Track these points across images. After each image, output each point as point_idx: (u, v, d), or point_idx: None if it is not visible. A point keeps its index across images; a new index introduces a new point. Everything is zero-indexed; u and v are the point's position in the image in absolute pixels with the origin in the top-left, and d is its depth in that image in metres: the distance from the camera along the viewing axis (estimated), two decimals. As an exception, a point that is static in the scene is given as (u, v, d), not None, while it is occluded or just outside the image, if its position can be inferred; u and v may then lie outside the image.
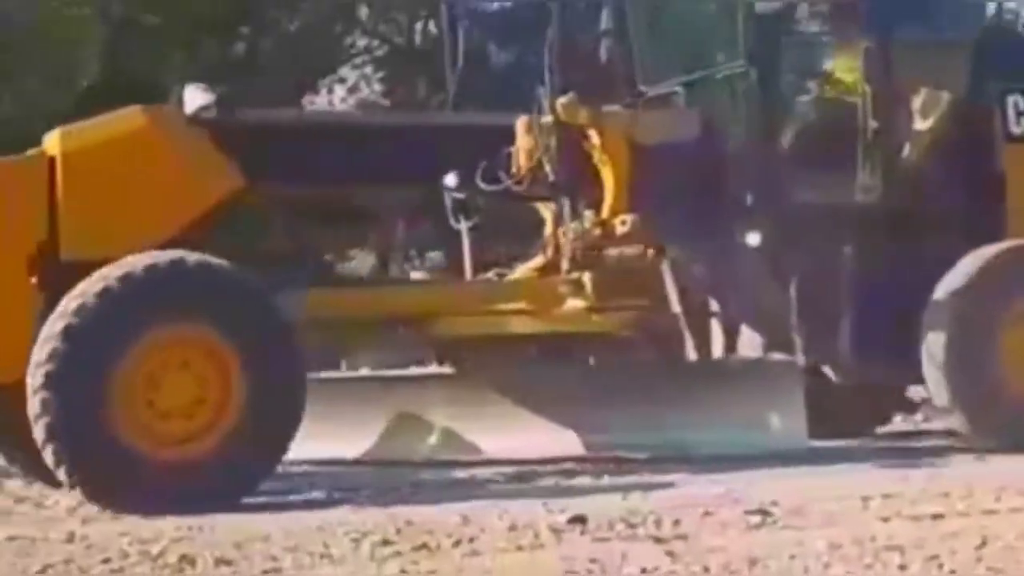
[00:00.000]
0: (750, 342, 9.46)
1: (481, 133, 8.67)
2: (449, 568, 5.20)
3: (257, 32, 22.83)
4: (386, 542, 5.70)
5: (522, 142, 8.52)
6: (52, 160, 7.66)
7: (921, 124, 9.16)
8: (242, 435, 7.13)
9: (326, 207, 8.49)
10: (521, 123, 8.56)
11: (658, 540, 5.65)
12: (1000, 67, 9.29)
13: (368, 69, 23.69)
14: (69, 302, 6.99)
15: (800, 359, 8.89)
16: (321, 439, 8.33)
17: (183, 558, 5.46)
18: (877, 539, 5.45)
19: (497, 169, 8.46)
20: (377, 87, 23.75)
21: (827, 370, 9.68)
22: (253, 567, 5.30)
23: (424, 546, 5.61)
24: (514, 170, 8.46)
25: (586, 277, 8.48)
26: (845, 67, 9.15)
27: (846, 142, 8.94)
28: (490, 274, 9.03)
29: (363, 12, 23.00)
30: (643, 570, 4.99)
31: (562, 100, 8.45)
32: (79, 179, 7.59)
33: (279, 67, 21.44)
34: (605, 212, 8.55)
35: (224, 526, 6.26)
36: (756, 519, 6.07)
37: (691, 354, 9.36)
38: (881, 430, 10.12)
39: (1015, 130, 9.28)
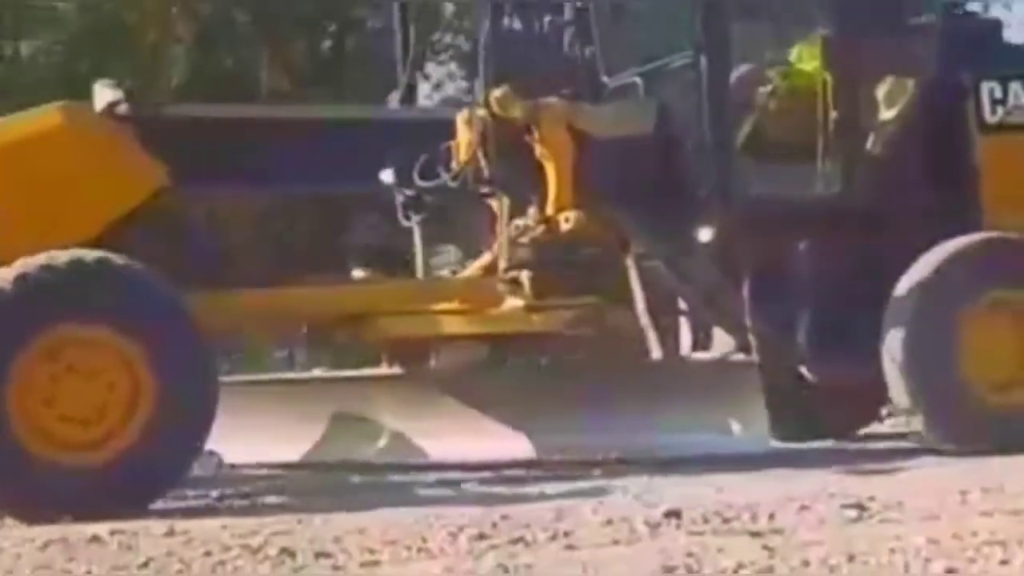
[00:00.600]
0: (724, 342, 9.22)
1: (424, 128, 8.56)
2: (547, 562, 5.17)
3: (344, 29, 23.04)
4: (482, 536, 5.70)
5: (461, 137, 8.41)
6: None
7: (886, 114, 8.85)
8: (149, 438, 6.99)
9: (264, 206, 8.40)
10: (460, 117, 8.44)
11: (754, 534, 5.60)
12: (972, 53, 8.91)
13: (453, 66, 23.73)
14: None
15: (757, 359, 8.65)
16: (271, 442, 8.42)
17: (283, 551, 5.48)
18: (978, 534, 5.30)
19: (437, 165, 8.37)
20: (462, 84, 23.77)
21: (804, 371, 9.45)
22: (352, 560, 5.31)
23: (520, 540, 5.61)
24: (452, 165, 8.35)
25: (524, 275, 8.33)
26: (805, 56, 8.86)
27: (805, 133, 8.66)
28: (444, 272, 8.94)
29: (448, 9, 23.02)
30: (740, 564, 4.90)
31: (495, 93, 8.30)
32: None
33: (365, 64, 21.59)
34: (549, 208, 8.40)
35: (322, 520, 6.28)
36: (853, 513, 5.99)
37: (656, 353, 9.16)
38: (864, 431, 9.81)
39: (990, 119, 8.92)
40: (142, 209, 7.71)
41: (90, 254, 7.10)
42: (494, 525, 5.94)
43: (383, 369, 8.92)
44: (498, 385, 8.63)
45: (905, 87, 8.79)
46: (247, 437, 8.41)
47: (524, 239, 8.45)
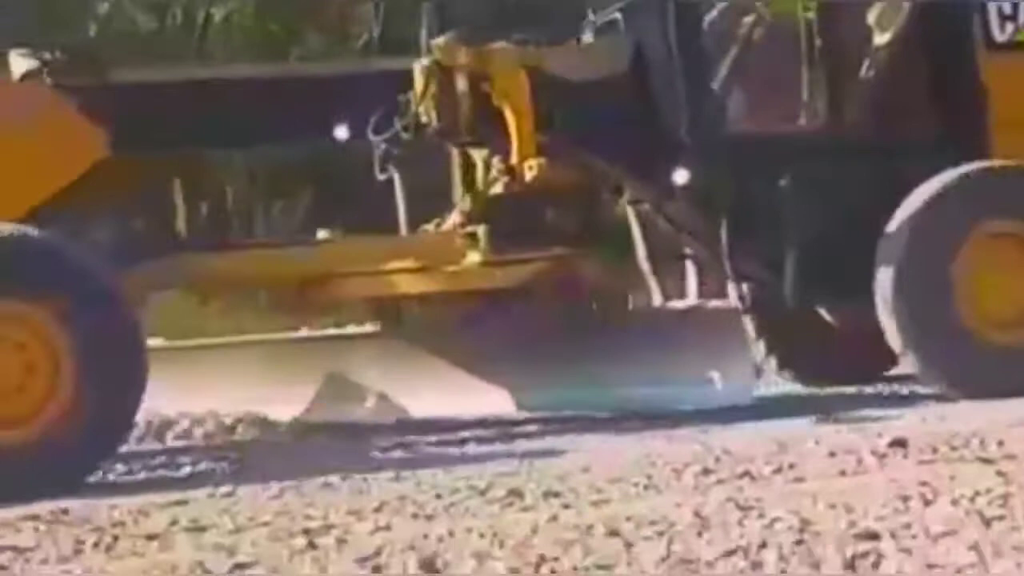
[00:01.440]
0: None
1: (383, 80, 8.33)
2: (775, 494, 5.13)
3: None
4: (707, 471, 5.74)
5: (417, 88, 8.15)
6: None
7: (879, 38, 8.26)
8: (75, 414, 6.83)
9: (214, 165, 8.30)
10: (417, 68, 8.18)
11: (986, 461, 5.52)
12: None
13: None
14: None
15: (739, 304, 8.23)
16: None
17: (511, 491, 5.59)
18: None
19: (392, 117, 8.14)
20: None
21: (824, 313, 8.99)
22: (580, 498, 5.38)
23: (746, 474, 5.63)
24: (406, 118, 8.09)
25: (480, 230, 8.05)
26: None
27: (790, 64, 8.16)
28: (429, 227, 8.71)
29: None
30: (976, 492, 4.82)
31: (438, 41, 8.00)
32: None
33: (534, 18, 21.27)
34: (513, 158, 8.06)
35: (544, 462, 6.42)
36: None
37: (656, 300, 8.83)
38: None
39: (999, 37, 8.25)
40: (82, 178, 7.54)
41: (5, 228, 7.00)
42: (717, 460, 5.96)
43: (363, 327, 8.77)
44: (471, 341, 8.37)
45: (899, 9, 8.18)
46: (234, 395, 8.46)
47: (487, 191, 8.15)
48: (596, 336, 8.20)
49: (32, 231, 7.03)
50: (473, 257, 8.08)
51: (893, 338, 7.90)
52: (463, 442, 7.60)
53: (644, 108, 8.18)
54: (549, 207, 8.27)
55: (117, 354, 6.90)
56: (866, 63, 8.25)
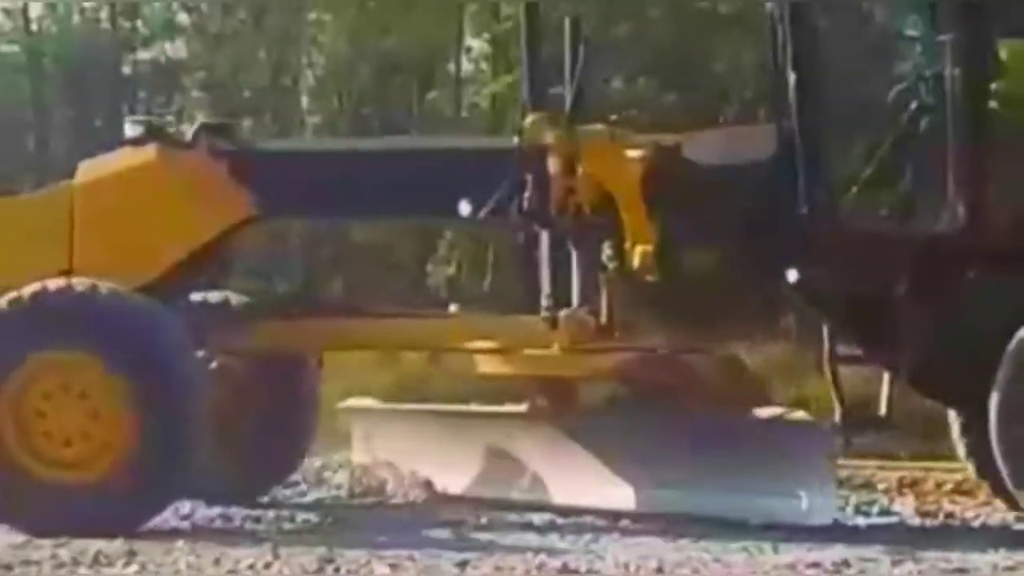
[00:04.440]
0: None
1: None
2: None
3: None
4: None
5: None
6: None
7: None
8: (130, 464, 7.22)
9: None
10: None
11: None
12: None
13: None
14: None
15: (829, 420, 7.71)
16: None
17: None
18: None
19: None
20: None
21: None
22: None
23: None
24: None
25: (561, 316, 7.82)
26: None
27: None
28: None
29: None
30: None
31: (526, 120, 7.83)
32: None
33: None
34: (626, 244, 7.71)
35: None
36: None
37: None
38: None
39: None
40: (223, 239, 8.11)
41: (80, 282, 7.42)
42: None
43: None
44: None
45: None
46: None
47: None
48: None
49: (102, 286, 7.40)
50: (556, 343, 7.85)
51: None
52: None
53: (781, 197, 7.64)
54: (638, 297, 8.09)
55: (173, 410, 7.23)
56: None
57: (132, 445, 7.23)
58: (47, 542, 6.92)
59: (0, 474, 7.33)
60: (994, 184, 7.43)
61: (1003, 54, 7.61)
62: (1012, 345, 7.21)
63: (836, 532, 7.28)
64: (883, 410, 7.84)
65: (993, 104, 7.49)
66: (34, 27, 22.38)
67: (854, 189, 7.68)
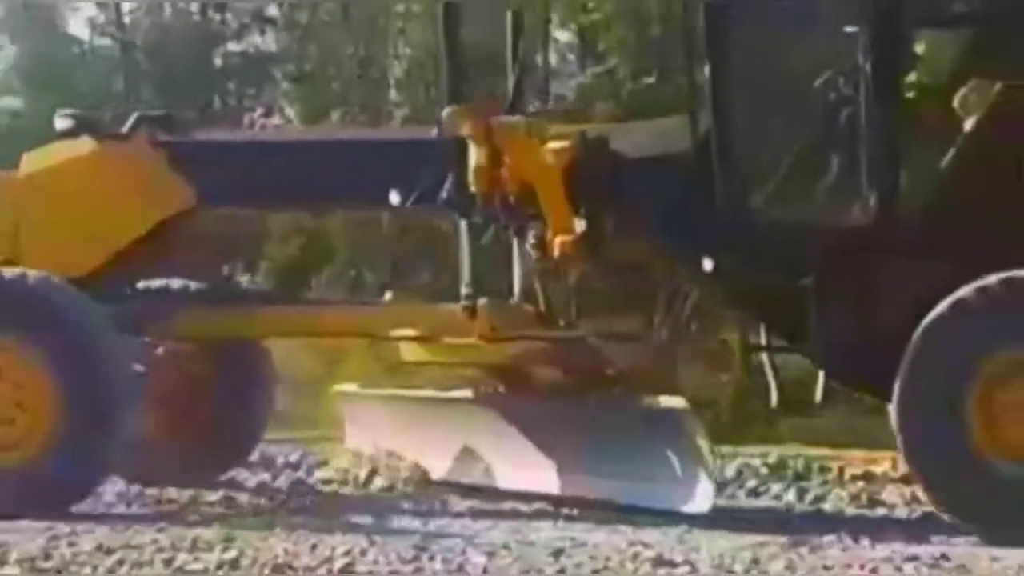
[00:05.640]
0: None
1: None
2: None
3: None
4: None
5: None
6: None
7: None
8: (58, 446, 7.53)
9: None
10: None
11: None
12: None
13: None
14: None
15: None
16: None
17: None
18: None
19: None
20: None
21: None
22: None
23: None
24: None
25: (480, 303, 7.99)
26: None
27: None
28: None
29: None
30: None
31: (444, 112, 8.02)
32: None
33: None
34: (548, 233, 7.88)
35: None
36: None
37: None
38: None
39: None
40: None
41: (9, 271, 7.74)
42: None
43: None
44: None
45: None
46: None
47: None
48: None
49: (30, 273, 7.71)
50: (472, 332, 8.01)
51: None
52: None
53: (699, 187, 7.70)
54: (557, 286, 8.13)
55: (96, 390, 7.55)
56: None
57: (54, 428, 7.53)
58: (148, 528, 7.02)
59: None
60: (906, 175, 7.47)
61: (920, 47, 7.70)
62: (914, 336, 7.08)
63: (935, 526, 7.24)
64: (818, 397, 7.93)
65: (910, 96, 7.55)
66: (126, 20, 22.65)
67: (773, 181, 7.67)
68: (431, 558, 6.31)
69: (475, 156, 7.86)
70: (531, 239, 7.95)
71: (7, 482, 7.49)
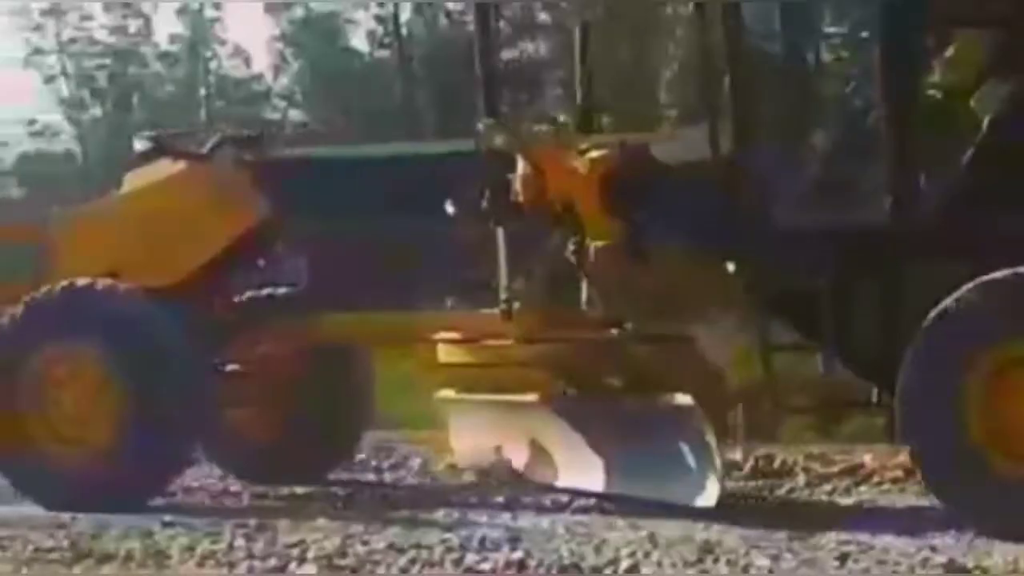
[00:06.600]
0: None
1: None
2: None
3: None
4: None
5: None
6: None
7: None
8: (133, 444, 8.02)
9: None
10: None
11: None
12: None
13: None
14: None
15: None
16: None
17: None
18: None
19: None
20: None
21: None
22: None
23: None
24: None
25: (515, 308, 8.19)
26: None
27: None
28: None
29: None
30: None
31: (479, 125, 8.26)
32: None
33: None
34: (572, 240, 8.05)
35: None
36: None
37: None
38: None
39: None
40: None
41: (84, 281, 8.26)
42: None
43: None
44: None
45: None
46: None
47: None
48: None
49: (103, 283, 8.25)
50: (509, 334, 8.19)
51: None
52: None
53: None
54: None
55: (164, 401, 8.00)
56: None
57: (128, 426, 8.02)
58: (436, 527, 7.22)
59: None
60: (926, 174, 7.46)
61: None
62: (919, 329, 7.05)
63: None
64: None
65: (936, 96, 7.55)
66: (404, 31, 23.23)
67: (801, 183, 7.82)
68: (715, 560, 6.33)
69: (519, 167, 8.10)
70: (571, 246, 8.11)
71: (87, 477, 8.04)
